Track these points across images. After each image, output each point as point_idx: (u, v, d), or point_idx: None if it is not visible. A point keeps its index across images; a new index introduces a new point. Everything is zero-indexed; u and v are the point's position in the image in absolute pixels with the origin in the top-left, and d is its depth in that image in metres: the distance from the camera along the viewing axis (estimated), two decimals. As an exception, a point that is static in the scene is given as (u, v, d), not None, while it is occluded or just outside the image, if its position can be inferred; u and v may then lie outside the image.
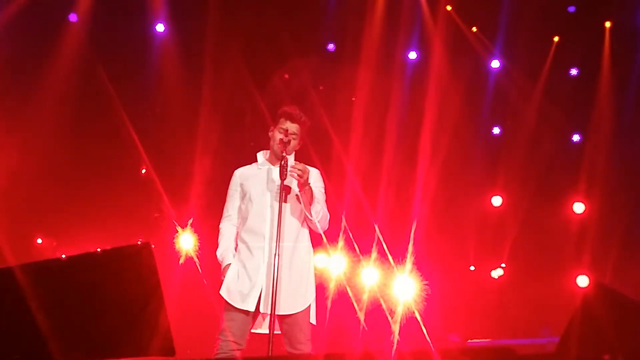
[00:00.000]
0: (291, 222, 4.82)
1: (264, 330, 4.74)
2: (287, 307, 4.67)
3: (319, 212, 4.81)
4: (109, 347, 2.85)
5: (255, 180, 4.92)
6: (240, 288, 4.72)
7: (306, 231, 4.90)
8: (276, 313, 4.55)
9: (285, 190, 4.74)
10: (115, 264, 2.92)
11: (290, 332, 4.70)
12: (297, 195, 4.80)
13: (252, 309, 4.65)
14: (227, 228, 4.95)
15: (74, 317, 2.85)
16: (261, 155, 5.04)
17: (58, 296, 2.84)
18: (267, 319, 4.66)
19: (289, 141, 4.84)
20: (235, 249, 4.89)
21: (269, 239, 4.74)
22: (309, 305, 4.78)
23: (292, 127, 4.90)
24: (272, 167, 4.94)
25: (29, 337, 2.76)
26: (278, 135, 4.88)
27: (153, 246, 3.04)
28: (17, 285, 2.74)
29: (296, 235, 4.82)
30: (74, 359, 2.77)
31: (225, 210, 5.00)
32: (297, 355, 4.54)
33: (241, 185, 4.96)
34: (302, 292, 4.77)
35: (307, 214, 4.77)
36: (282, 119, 4.93)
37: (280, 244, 4.66)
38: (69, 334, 2.80)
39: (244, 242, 4.84)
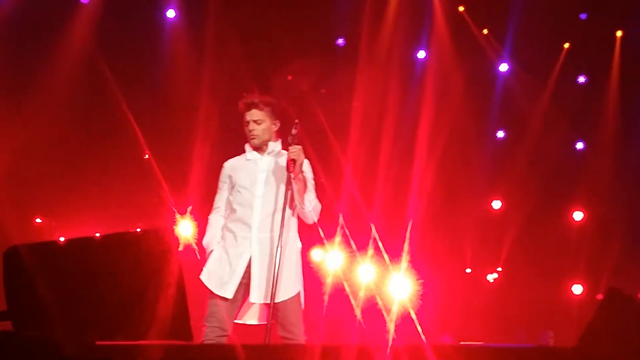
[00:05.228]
0: (279, 212, 4.86)
1: (252, 321, 4.85)
2: (279, 294, 4.74)
3: (312, 201, 4.91)
4: (109, 328, 2.87)
5: (243, 171, 5.02)
6: (221, 274, 4.83)
7: (295, 220, 4.99)
8: (269, 302, 4.68)
9: (275, 179, 4.92)
10: (127, 247, 2.96)
11: (283, 317, 4.79)
12: (286, 184, 4.87)
13: (229, 296, 4.76)
14: (215, 218, 5.07)
15: (81, 298, 2.88)
16: (249, 146, 5.12)
17: (66, 276, 2.87)
18: (255, 308, 4.83)
19: (255, 130, 4.98)
20: (223, 238, 4.98)
21: (255, 229, 4.85)
22: (299, 291, 4.91)
23: (253, 114, 5.00)
24: (259, 157, 5.04)
25: (34, 314, 2.79)
26: (246, 129, 5.03)
27: (163, 231, 3.06)
28: (23, 265, 2.77)
29: (282, 223, 4.84)
30: (73, 339, 2.79)
31: (215, 202, 5.13)
32: (295, 345, 4.63)
33: (230, 177, 5.06)
34: (292, 279, 4.87)
35: (300, 203, 4.85)
36: (244, 113, 5.05)
37: (271, 234, 4.82)
38: (72, 314, 2.83)
39: (230, 230, 4.93)
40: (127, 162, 8.39)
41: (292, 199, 4.87)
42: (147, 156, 8.34)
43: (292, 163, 4.81)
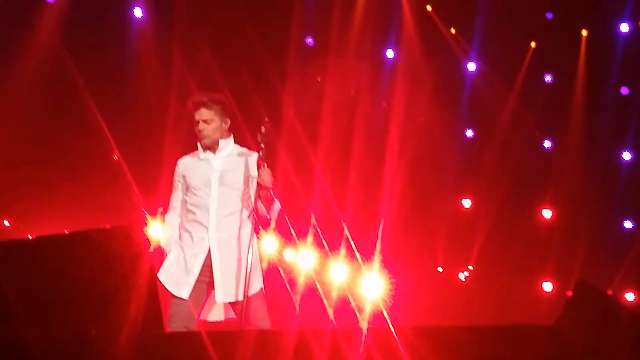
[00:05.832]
0: (236, 211, 4.89)
1: (219, 318, 4.90)
2: (242, 292, 4.74)
3: (275, 211, 4.95)
4: (80, 327, 2.84)
5: (197, 172, 4.97)
6: (177, 274, 4.81)
7: (250, 218, 4.94)
8: (236, 300, 4.75)
9: (229, 178, 4.89)
10: (97, 245, 2.92)
11: (249, 311, 4.75)
12: (244, 183, 4.90)
13: (185, 296, 4.75)
14: (172, 218, 5.02)
15: (49, 296, 2.84)
16: (200, 145, 5.06)
17: (35, 274, 2.83)
18: (219, 305, 4.85)
19: (205, 129, 4.92)
20: (180, 237, 4.96)
21: (213, 229, 4.83)
22: (261, 287, 4.92)
23: (202, 114, 4.94)
24: (212, 156, 4.99)
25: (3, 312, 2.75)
26: (196, 129, 4.97)
27: (132, 230, 3.02)
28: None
29: (240, 223, 4.88)
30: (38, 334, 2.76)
31: (170, 201, 5.08)
32: (272, 330, 4.64)
33: (183, 177, 5.01)
34: (256, 275, 4.87)
35: (265, 214, 4.86)
36: (193, 113, 4.98)
37: (232, 233, 4.84)
38: (41, 312, 2.79)
39: (187, 230, 4.92)
40: (96, 164, 8.30)
41: (253, 199, 4.88)
42: (116, 157, 8.27)
43: (262, 188, 4.77)
